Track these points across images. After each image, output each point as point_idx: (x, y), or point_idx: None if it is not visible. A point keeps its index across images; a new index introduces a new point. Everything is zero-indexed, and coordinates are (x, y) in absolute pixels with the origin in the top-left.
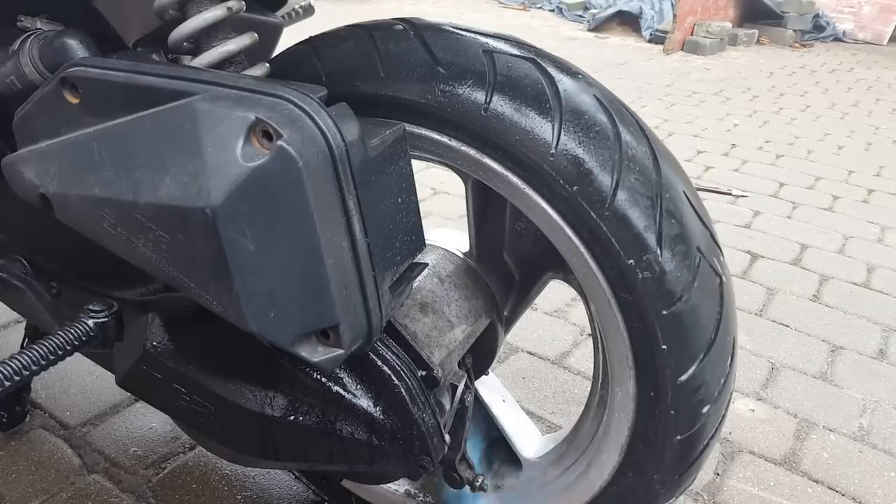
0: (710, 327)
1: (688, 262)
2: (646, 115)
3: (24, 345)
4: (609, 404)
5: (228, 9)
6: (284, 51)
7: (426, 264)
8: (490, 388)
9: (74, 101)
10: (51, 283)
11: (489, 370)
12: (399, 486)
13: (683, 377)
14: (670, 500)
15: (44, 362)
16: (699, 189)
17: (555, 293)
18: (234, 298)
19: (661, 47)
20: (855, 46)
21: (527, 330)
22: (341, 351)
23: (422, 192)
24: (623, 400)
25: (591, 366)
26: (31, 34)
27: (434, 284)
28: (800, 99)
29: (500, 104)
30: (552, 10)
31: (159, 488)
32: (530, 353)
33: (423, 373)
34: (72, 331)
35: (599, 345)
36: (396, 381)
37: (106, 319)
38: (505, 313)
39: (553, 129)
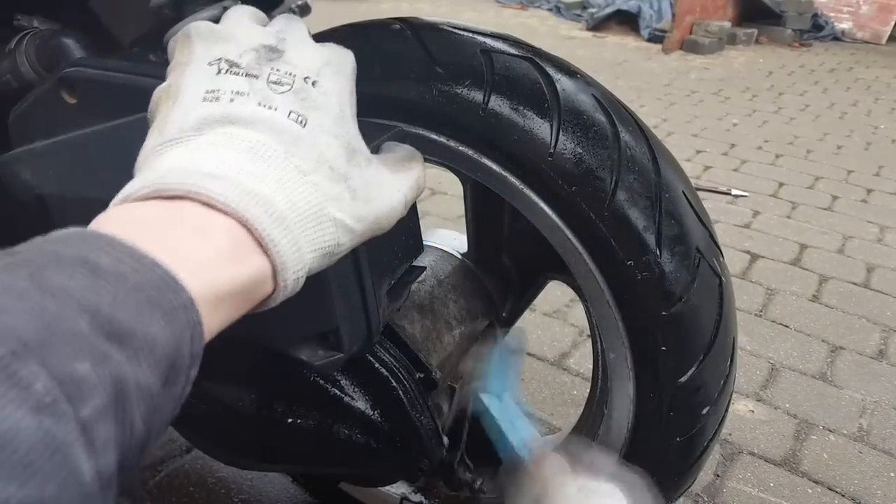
0: (710, 328)
1: (687, 262)
2: (645, 114)
3: None
4: (608, 406)
5: (224, 8)
6: None
7: (424, 267)
8: None
9: (72, 100)
10: None
11: None
12: (396, 489)
13: (683, 378)
14: (670, 502)
15: None
16: (698, 189)
17: (553, 294)
18: None
19: (659, 46)
20: (853, 46)
21: (526, 330)
22: (341, 354)
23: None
24: (622, 401)
25: (591, 367)
26: (27, 32)
27: (432, 286)
28: (799, 98)
29: (499, 104)
30: (550, 10)
31: (156, 491)
32: (529, 354)
33: (422, 375)
34: None
35: (598, 346)
36: (394, 384)
37: None
38: (503, 314)
39: (551, 129)
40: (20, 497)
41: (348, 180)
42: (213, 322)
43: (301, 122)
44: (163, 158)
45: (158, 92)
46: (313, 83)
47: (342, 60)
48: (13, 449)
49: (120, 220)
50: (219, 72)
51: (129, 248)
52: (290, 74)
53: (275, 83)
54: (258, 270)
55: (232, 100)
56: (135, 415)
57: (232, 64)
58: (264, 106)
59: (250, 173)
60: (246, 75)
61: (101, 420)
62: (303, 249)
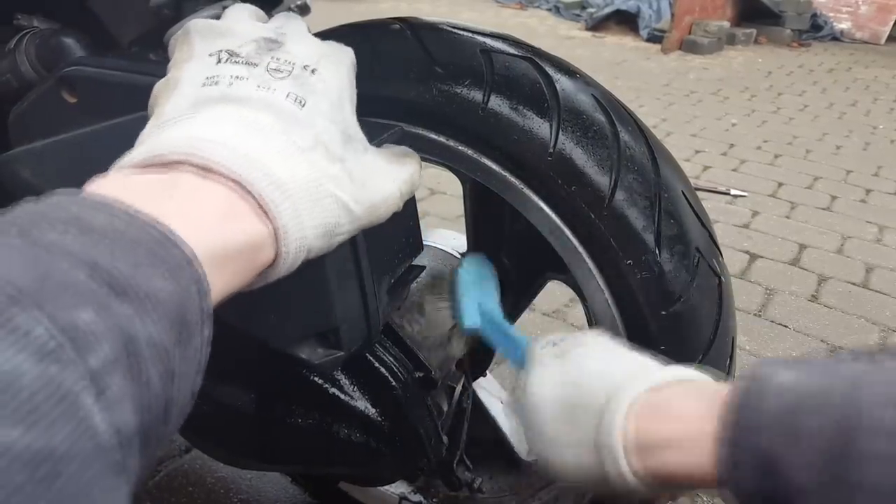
0: (709, 328)
1: (686, 262)
2: (644, 114)
3: None
4: None
5: (224, 8)
6: None
7: (424, 267)
8: (488, 389)
9: (72, 100)
10: None
11: (487, 371)
12: (395, 489)
13: None
14: (669, 502)
15: None
16: (697, 189)
17: (553, 294)
18: (235, 300)
19: (658, 46)
20: (852, 46)
21: (525, 331)
22: (341, 353)
23: (419, 192)
24: None
25: None
26: (27, 32)
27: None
28: (798, 98)
29: (498, 104)
30: (549, 10)
31: (155, 491)
32: None
33: (421, 374)
34: None
35: None
36: (394, 383)
37: None
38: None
39: (551, 128)
40: (26, 441)
41: (345, 162)
42: (216, 283)
43: (300, 103)
44: (158, 136)
45: (158, 86)
46: (312, 70)
47: (341, 54)
48: (14, 393)
49: (113, 184)
50: (219, 61)
51: (123, 207)
52: (289, 63)
53: (274, 70)
54: (257, 233)
55: (230, 84)
56: (150, 371)
57: (232, 53)
58: (262, 88)
59: (249, 143)
60: (246, 63)
61: (111, 371)
62: (304, 220)
